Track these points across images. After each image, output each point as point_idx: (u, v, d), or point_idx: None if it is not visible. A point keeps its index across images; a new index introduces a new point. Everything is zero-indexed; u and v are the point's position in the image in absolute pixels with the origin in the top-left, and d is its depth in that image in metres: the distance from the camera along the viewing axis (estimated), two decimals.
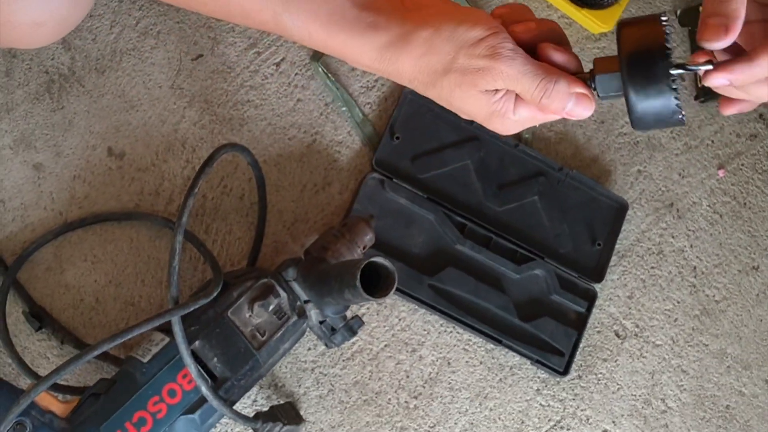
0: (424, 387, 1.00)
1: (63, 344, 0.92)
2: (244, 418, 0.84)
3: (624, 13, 1.06)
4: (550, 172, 1.05)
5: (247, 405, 0.95)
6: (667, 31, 0.62)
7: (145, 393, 0.80)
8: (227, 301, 0.84)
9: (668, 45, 0.62)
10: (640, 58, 0.62)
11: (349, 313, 0.90)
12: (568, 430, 1.02)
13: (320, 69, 1.02)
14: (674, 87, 0.62)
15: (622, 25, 0.64)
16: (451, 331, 1.01)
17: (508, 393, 1.01)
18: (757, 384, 1.08)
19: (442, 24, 0.65)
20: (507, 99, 0.66)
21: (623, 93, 0.64)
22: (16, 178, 0.95)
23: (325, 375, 0.97)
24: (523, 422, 1.01)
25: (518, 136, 1.06)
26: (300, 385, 0.97)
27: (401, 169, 1.01)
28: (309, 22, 0.67)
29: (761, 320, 1.09)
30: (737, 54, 0.64)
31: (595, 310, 1.04)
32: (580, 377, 1.03)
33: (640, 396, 1.04)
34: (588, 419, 1.03)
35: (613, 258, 1.05)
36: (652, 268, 1.07)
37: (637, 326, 1.06)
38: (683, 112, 0.63)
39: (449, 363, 1.00)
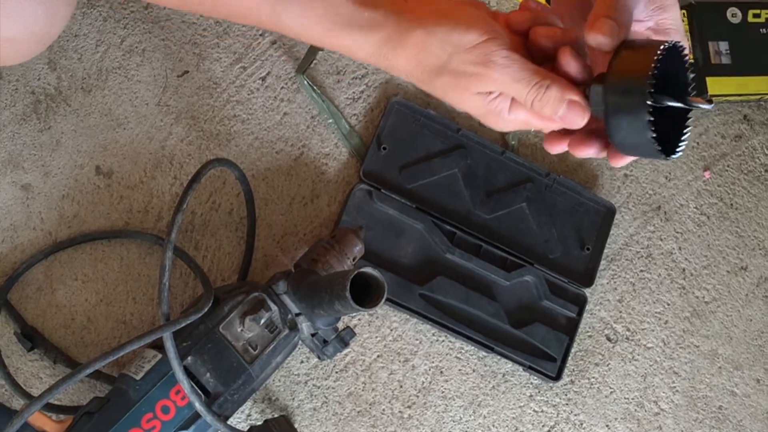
0: (417, 396, 1.00)
1: (56, 364, 0.92)
2: None
3: None
4: (538, 178, 1.05)
5: (241, 419, 0.95)
6: (657, 65, 0.59)
7: (139, 410, 0.80)
8: (218, 316, 0.84)
9: (652, 76, 0.59)
10: (620, 85, 0.61)
11: (340, 325, 0.90)
12: None
13: (305, 82, 1.02)
14: (649, 119, 0.59)
15: (621, 47, 0.62)
16: (443, 340, 1.01)
17: (502, 400, 1.01)
18: (749, 384, 1.08)
19: (437, 25, 0.65)
20: (502, 100, 0.66)
21: (604, 116, 0.62)
22: (4, 199, 0.95)
23: (319, 387, 0.98)
24: (517, 429, 1.01)
25: (505, 143, 1.07)
26: (294, 398, 0.97)
27: (389, 179, 1.02)
28: (306, 17, 0.67)
29: (751, 320, 1.10)
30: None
31: (585, 315, 1.04)
32: (572, 382, 1.03)
33: (632, 399, 1.05)
34: (582, 424, 1.03)
35: (603, 262, 1.06)
36: (641, 271, 1.08)
37: (628, 329, 1.06)
38: (660, 147, 0.60)
39: (442, 372, 1.01)
